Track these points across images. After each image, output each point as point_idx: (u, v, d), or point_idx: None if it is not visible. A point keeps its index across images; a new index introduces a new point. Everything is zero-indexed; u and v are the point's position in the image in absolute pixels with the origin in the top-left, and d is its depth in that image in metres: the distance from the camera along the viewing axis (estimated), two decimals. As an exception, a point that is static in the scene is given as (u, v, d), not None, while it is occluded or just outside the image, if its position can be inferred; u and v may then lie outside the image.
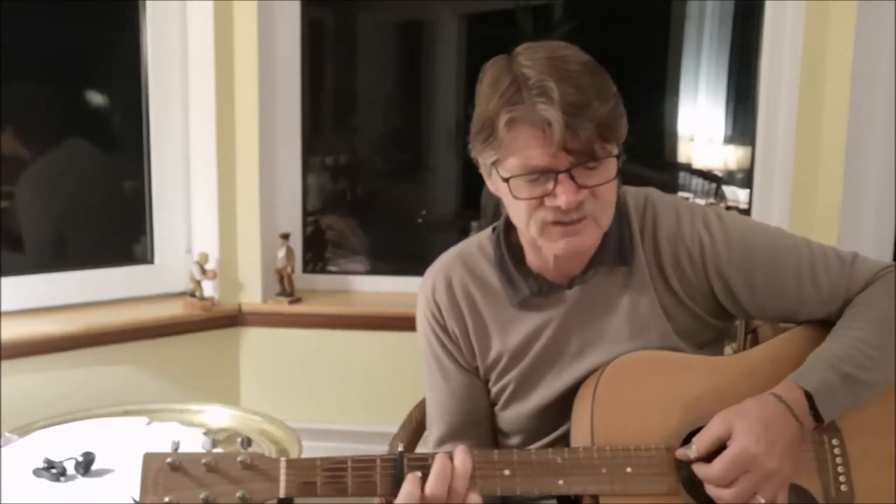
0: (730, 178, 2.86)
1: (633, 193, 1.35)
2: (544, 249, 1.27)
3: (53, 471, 1.67)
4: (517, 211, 1.25)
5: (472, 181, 2.95)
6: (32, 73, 2.35)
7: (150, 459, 1.14)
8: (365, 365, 2.45)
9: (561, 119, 1.13)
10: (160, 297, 2.45)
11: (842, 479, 1.26)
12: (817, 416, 1.22)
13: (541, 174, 1.18)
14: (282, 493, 1.13)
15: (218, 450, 1.15)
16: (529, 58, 1.18)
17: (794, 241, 1.34)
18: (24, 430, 1.93)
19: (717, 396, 1.25)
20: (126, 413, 2.04)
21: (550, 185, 1.18)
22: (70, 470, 1.69)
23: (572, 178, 1.17)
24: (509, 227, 1.37)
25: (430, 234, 3.12)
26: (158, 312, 2.34)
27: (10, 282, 2.22)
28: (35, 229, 2.45)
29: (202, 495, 1.12)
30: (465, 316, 1.38)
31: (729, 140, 2.87)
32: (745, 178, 2.64)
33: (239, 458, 1.14)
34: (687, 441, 1.22)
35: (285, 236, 2.45)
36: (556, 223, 1.21)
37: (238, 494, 1.13)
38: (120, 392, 2.19)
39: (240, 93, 2.37)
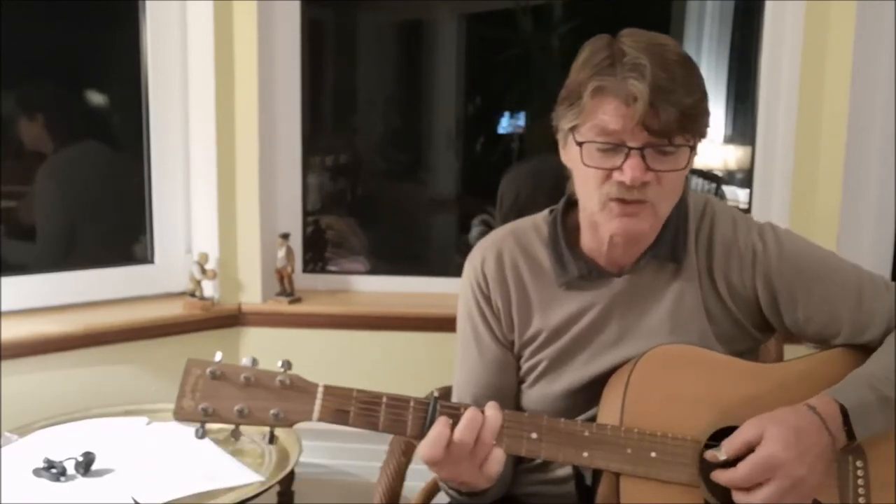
0: (730, 178, 2.86)
1: (694, 197, 1.38)
2: (601, 227, 1.29)
3: (53, 471, 1.68)
4: (584, 180, 1.26)
5: (471, 181, 2.97)
6: (31, 73, 2.35)
7: (192, 364, 1.15)
8: (365, 365, 2.44)
9: (647, 96, 1.16)
10: (160, 297, 2.44)
11: (861, 500, 1.26)
12: (850, 434, 1.22)
13: (614, 146, 1.20)
14: (315, 417, 1.16)
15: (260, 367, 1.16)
16: (632, 39, 1.22)
17: (845, 264, 1.37)
18: (24, 430, 1.93)
19: (749, 401, 1.26)
20: (126, 413, 2.05)
21: (620, 160, 1.20)
22: (70, 470, 1.69)
23: (643, 156, 1.19)
24: (567, 210, 1.39)
25: (430, 234, 3.12)
26: (158, 312, 2.33)
27: (10, 281, 2.21)
28: (35, 229, 2.45)
29: (237, 407, 1.13)
30: (511, 290, 1.39)
31: (729, 140, 2.87)
32: (745, 178, 2.64)
33: (279, 378, 1.15)
34: (713, 439, 1.23)
35: (285, 236, 2.44)
36: (617, 199, 1.22)
37: (272, 412, 1.14)
38: (120, 392, 2.19)
39: (240, 93, 2.36)
